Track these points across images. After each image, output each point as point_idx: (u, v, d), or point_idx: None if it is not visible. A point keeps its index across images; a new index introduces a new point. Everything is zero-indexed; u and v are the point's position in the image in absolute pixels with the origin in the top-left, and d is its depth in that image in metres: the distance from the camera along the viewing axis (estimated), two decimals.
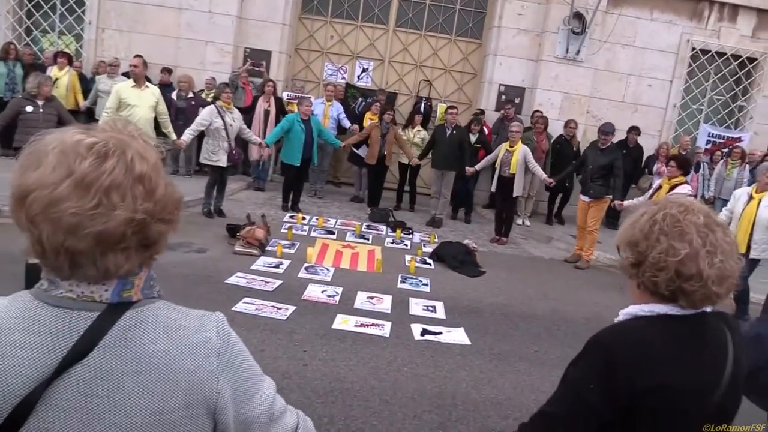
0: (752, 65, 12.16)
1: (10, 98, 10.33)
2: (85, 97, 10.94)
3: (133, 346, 1.05)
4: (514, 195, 9.38)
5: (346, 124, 11.03)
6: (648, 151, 11.48)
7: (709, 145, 11.95)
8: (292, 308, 5.51)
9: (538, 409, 1.55)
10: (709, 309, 1.50)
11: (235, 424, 1.13)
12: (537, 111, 11.36)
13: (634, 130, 11.27)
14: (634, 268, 1.50)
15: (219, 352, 1.11)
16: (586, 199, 8.72)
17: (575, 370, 1.50)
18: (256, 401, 1.17)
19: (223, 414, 1.11)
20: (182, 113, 10.30)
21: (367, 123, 10.90)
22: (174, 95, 10.74)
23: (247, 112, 10.68)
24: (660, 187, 7.64)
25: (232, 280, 6.11)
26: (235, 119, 8.61)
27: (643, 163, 11.42)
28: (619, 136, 11.20)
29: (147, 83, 7.96)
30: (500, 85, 11.99)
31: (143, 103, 7.68)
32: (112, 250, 1.02)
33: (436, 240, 8.75)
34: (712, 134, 12.19)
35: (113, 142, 1.04)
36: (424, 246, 8.51)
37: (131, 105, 7.58)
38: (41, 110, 6.92)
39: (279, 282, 6.22)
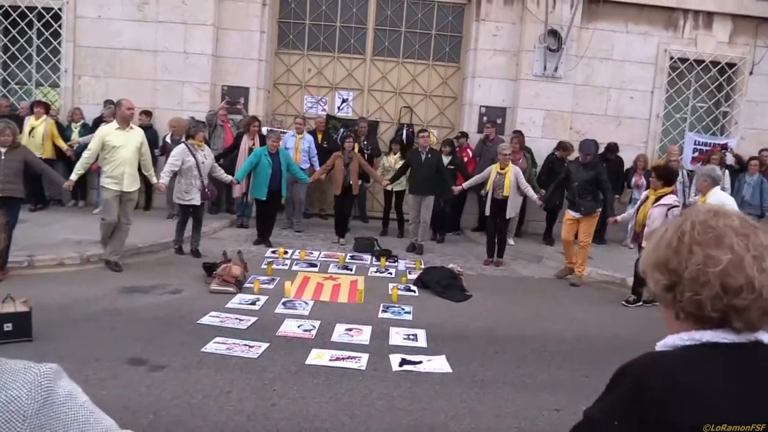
0: (732, 71, 12.09)
1: None
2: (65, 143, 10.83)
3: None
4: (507, 217, 9.24)
5: (317, 165, 10.88)
6: (629, 163, 11.34)
7: (696, 153, 11.81)
8: (265, 345, 5.30)
9: None
10: (766, 339, 1.23)
11: None
12: (516, 131, 11.24)
13: (611, 150, 11.14)
14: (669, 291, 1.24)
15: (26, 414, 0.91)
16: (575, 214, 8.54)
17: (596, 407, 1.25)
18: None
19: None
20: None
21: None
22: (168, 138, 10.72)
23: (230, 152, 10.59)
24: (647, 198, 7.49)
25: (205, 320, 5.90)
26: (206, 156, 8.53)
27: (623, 176, 11.26)
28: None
29: (131, 125, 7.84)
30: (481, 106, 11.90)
31: (129, 144, 7.54)
32: None
33: (422, 266, 8.54)
34: (699, 142, 12.05)
35: None
36: (409, 273, 8.32)
37: (116, 146, 7.44)
38: (3, 157, 6.78)
39: (254, 319, 6.01)
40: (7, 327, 5.07)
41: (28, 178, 7.67)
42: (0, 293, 5.39)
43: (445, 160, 10.09)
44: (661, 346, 1.28)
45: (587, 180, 8.41)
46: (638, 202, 7.92)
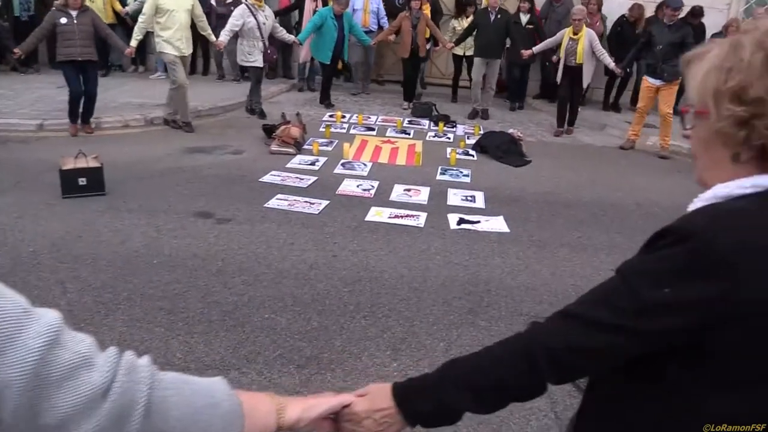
0: None
1: (27, 18, 10.37)
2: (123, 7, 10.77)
3: None
4: (584, 85, 8.88)
5: (386, 26, 10.46)
6: (712, 29, 10.47)
7: None
8: (325, 203, 5.43)
9: (563, 308, 1.05)
10: None
11: None
12: None
13: (695, 14, 10.27)
14: (743, 126, 0.92)
15: None
16: (656, 82, 8.05)
17: (639, 263, 0.98)
18: (6, 360, 0.76)
19: None
20: (222, 19, 10.02)
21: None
22: (213, 1, 10.51)
23: (286, 12, 10.34)
24: None
25: (267, 178, 6.05)
26: (267, 17, 8.36)
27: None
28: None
29: None
30: None
31: (181, 6, 7.50)
32: None
33: (481, 131, 8.40)
34: None
35: None
36: (467, 138, 8.22)
37: (170, 10, 7.41)
38: (75, 21, 6.82)
39: (314, 178, 6.13)
40: (82, 181, 5.32)
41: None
42: (71, 150, 5.62)
43: (524, 18, 9.62)
44: (708, 198, 0.99)
45: (672, 43, 7.79)
46: None
